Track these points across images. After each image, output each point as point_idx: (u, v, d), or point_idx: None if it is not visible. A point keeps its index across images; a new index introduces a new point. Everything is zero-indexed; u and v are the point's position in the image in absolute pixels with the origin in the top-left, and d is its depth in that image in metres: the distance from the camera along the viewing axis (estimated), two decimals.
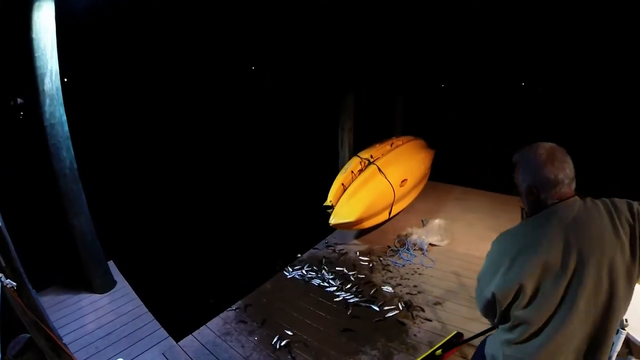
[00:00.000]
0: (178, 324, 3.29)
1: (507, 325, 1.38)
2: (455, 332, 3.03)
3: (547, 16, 5.61)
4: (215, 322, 3.30)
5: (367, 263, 4.21)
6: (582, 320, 1.23)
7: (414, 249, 4.47)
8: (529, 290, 1.25)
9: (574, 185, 1.33)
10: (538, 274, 1.24)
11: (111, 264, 4.16)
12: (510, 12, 5.80)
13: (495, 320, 1.43)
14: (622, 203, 1.29)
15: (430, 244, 4.54)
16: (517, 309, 1.30)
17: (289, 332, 3.14)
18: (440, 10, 5.98)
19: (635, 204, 1.28)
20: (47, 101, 3.23)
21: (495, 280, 1.32)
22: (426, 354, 2.81)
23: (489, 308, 1.41)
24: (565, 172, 1.30)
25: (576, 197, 1.31)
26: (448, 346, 2.85)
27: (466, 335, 2.91)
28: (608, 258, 1.21)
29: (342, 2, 5.60)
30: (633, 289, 1.25)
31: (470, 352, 2.82)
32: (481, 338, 2.46)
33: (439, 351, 2.79)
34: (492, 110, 7.51)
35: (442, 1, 5.80)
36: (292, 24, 7.37)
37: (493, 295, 1.34)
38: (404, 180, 5.06)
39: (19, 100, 8.72)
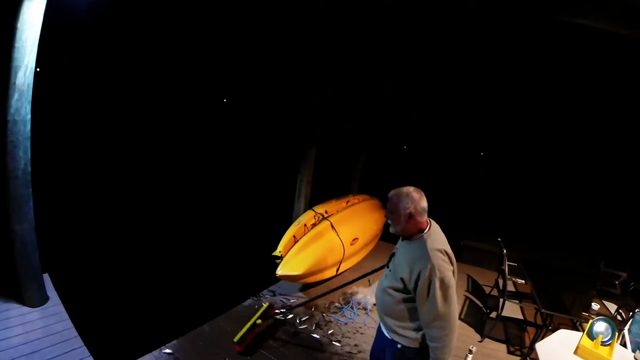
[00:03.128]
0: (108, 355, 3.19)
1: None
2: (267, 304, 4.04)
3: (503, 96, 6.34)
4: None
5: (309, 317, 4.26)
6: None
7: (358, 308, 4.56)
8: None
9: None
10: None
11: (46, 277, 3.97)
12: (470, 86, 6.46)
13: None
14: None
15: (374, 304, 4.64)
16: None
17: None
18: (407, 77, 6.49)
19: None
20: (16, 96, 3.16)
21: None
22: (250, 323, 3.61)
23: None
24: (426, 204, 1.94)
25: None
26: (264, 317, 3.79)
27: None
28: None
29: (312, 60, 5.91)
30: None
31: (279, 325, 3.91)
32: None
33: (259, 320, 3.68)
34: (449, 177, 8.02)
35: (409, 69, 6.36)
36: (262, 72, 7.64)
37: None
38: (355, 239, 5.26)
39: None
